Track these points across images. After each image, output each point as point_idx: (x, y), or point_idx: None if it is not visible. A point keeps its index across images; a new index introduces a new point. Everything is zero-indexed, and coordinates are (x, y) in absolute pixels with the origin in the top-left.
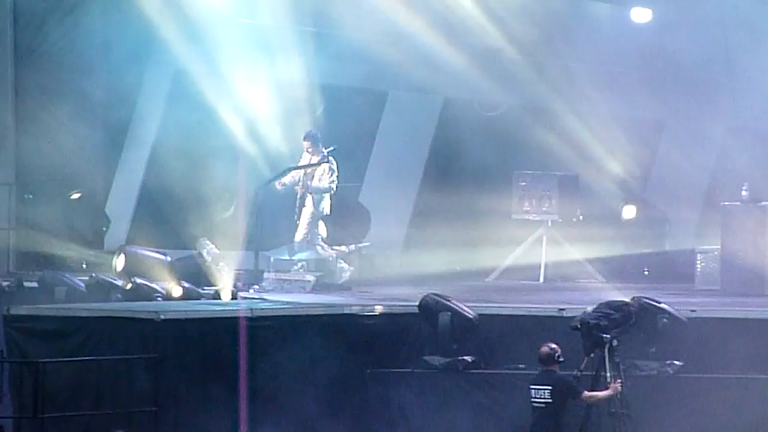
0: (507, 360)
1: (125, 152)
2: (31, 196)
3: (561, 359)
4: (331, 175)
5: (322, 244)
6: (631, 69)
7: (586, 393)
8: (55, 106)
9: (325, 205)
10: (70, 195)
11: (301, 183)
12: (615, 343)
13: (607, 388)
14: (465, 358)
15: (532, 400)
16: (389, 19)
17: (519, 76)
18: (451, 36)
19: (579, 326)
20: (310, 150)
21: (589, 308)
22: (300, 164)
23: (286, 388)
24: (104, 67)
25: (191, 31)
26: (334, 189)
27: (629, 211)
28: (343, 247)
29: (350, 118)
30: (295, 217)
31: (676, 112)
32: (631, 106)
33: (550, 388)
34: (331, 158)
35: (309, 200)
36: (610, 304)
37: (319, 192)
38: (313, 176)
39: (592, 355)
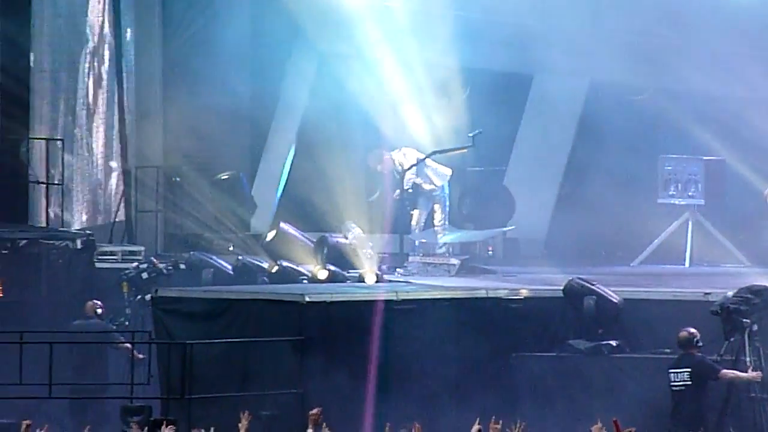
0: (652, 344)
1: (271, 137)
2: (178, 179)
3: (700, 344)
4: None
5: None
6: None
7: (725, 370)
8: (202, 92)
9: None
10: (220, 176)
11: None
12: (755, 327)
13: (746, 372)
14: (610, 342)
15: (672, 384)
16: (535, 1)
17: (666, 59)
18: (597, 18)
19: (719, 311)
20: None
21: (730, 293)
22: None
23: (431, 371)
24: (249, 52)
25: (336, 16)
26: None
27: None
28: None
29: (495, 101)
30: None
31: None
32: None
33: (689, 370)
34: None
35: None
36: (751, 289)
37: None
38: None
39: (732, 339)
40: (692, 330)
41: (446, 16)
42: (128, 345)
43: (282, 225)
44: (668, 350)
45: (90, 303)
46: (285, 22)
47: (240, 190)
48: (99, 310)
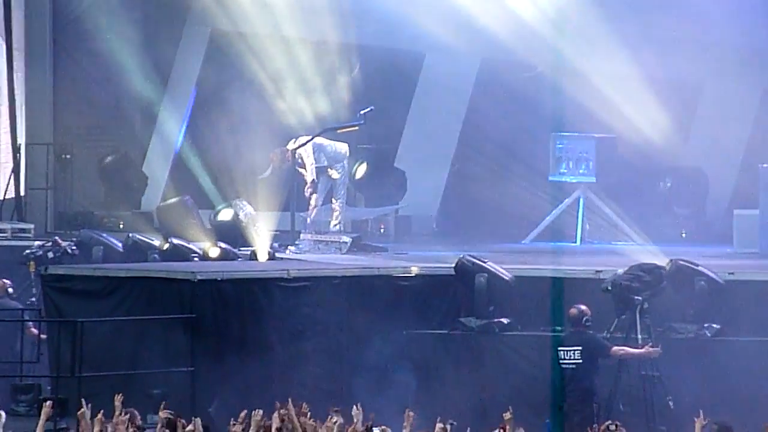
0: (543, 322)
1: (162, 112)
2: (68, 156)
3: (589, 322)
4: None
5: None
6: (670, 30)
7: (616, 347)
8: (93, 67)
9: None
10: (104, 159)
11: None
12: (646, 305)
13: (640, 348)
14: (501, 320)
15: (561, 362)
16: None
17: (556, 37)
18: None
19: (610, 288)
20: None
21: (621, 270)
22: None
23: (322, 349)
24: (141, 27)
25: None
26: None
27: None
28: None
29: (387, 79)
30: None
31: (714, 74)
32: (670, 67)
33: (579, 348)
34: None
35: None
36: (642, 267)
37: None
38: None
39: (623, 316)
40: (582, 307)
41: None
42: (34, 330)
43: (187, 198)
44: (559, 328)
45: (0, 282)
46: None
47: (130, 167)
48: (10, 290)
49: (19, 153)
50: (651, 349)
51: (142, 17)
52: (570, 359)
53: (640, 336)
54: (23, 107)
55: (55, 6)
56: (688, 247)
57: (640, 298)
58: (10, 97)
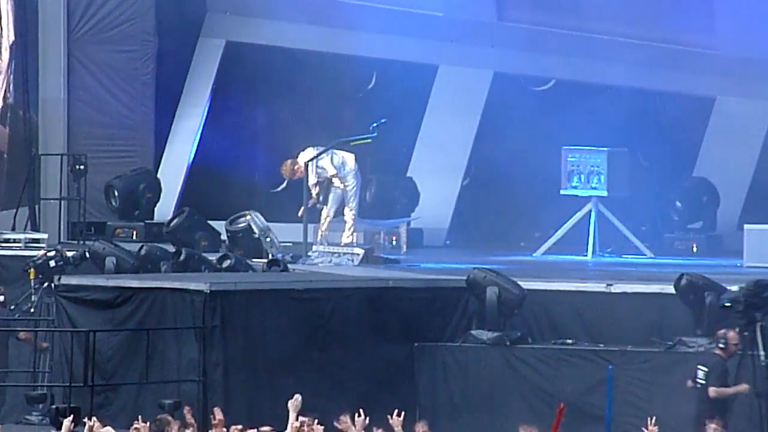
0: (554, 335)
1: (177, 123)
2: (82, 167)
3: (722, 346)
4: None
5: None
6: (683, 44)
7: (713, 390)
8: (107, 78)
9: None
10: (111, 185)
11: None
12: (764, 323)
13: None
14: (512, 332)
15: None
16: None
17: (569, 51)
18: (500, 9)
19: (731, 304)
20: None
21: (735, 287)
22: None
23: (334, 360)
24: (155, 39)
25: (244, 2)
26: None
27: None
28: None
29: (400, 92)
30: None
31: (725, 88)
32: (682, 81)
33: (706, 370)
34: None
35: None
36: (759, 283)
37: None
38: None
39: (745, 333)
40: (726, 332)
41: (351, 6)
42: (29, 335)
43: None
44: (570, 341)
45: None
46: (192, 7)
47: (144, 177)
48: (1, 297)
49: (34, 163)
50: (741, 386)
51: (155, 28)
52: (699, 378)
53: (763, 353)
54: (38, 117)
55: (69, 18)
56: (700, 260)
57: (760, 314)
58: (24, 108)
